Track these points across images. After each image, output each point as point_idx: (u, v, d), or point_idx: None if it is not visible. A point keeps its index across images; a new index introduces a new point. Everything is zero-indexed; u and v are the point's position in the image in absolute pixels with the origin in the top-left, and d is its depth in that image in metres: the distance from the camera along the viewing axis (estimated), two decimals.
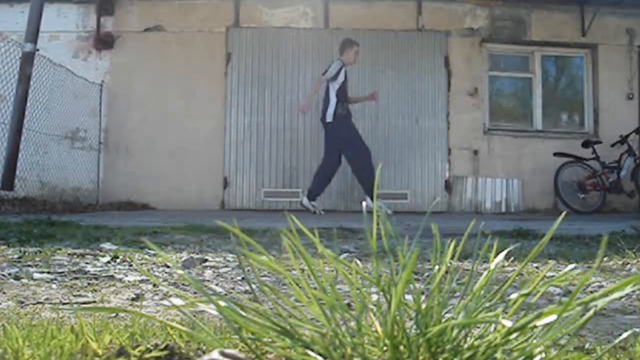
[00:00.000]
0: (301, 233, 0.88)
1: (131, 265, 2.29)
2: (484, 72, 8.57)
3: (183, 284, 1.91)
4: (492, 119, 8.64)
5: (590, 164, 7.97)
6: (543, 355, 0.79)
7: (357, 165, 6.97)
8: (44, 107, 6.69)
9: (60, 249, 2.66)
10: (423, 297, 0.84)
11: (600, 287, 1.94)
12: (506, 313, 0.83)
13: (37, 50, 5.69)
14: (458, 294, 0.93)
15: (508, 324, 0.75)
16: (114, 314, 1.30)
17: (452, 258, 0.93)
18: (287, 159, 8.19)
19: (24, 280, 1.88)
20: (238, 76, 8.25)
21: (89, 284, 1.87)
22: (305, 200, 7.06)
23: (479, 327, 0.85)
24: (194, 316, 1.10)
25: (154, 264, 2.35)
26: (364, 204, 0.97)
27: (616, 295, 0.71)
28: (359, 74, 8.19)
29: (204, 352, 0.94)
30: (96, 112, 7.96)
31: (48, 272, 2.06)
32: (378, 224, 0.88)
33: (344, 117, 6.94)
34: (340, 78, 6.95)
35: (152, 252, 2.65)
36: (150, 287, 1.85)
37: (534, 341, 0.79)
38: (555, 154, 7.97)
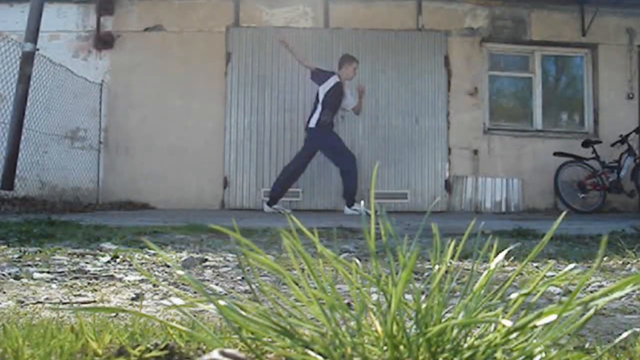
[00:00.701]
0: (301, 233, 0.88)
1: (131, 265, 2.29)
2: (484, 71, 8.56)
3: (183, 284, 1.91)
4: (492, 119, 8.64)
5: (590, 164, 7.97)
6: (543, 355, 0.79)
7: (344, 168, 7.03)
8: (43, 106, 6.69)
9: (60, 249, 2.66)
10: (423, 297, 0.84)
11: (600, 286, 1.94)
12: (506, 313, 0.83)
13: (37, 49, 5.69)
14: (458, 293, 0.93)
15: (508, 323, 0.75)
16: (114, 314, 1.30)
17: (452, 258, 0.93)
18: (287, 159, 8.16)
19: (24, 280, 1.88)
20: (238, 76, 8.25)
21: (89, 283, 1.87)
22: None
23: (479, 327, 0.85)
24: (194, 316, 1.10)
25: (154, 263, 2.35)
26: (362, 202, 0.96)
27: (616, 294, 0.70)
28: (359, 74, 8.18)
29: (204, 352, 0.94)
30: (96, 111, 7.96)
31: (48, 272, 2.06)
32: (377, 223, 0.88)
33: (327, 125, 7.00)
34: (327, 85, 6.98)
35: (152, 251, 2.65)
36: (150, 286, 1.85)
37: (534, 341, 0.79)
38: (555, 154, 7.96)
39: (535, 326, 0.76)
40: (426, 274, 2.14)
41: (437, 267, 0.90)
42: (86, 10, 8.23)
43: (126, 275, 2.04)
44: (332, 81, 7.01)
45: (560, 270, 1.20)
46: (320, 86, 7.02)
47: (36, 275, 1.97)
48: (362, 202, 6.40)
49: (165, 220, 4.84)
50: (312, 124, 7.01)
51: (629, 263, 2.48)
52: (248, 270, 1.97)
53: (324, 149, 7.11)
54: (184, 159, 8.07)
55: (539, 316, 0.74)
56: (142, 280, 1.94)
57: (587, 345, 1.07)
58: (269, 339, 0.82)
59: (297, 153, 7.24)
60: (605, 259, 2.56)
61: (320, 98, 6.99)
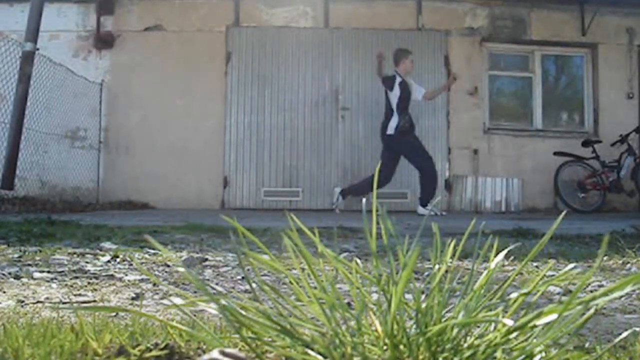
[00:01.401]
0: (301, 232, 0.88)
1: (131, 265, 2.29)
2: (483, 71, 8.57)
3: (183, 283, 1.91)
4: (492, 119, 8.64)
5: (590, 164, 7.97)
6: (543, 354, 0.79)
7: (425, 169, 6.93)
8: (44, 106, 6.69)
9: (60, 248, 2.66)
10: (423, 297, 0.84)
11: (600, 286, 1.94)
12: (506, 312, 0.83)
13: (37, 49, 5.69)
14: (458, 293, 0.93)
15: (508, 323, 0.75)
16: (114, 313, 1.30)
17: (452, 257, 0.93)
18: (287, 159, 8.18)
19: (24, 280, 1.88)
20: (238, 75, 8.25)
21: (89, 283, 1.87)
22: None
23: (479, 327, 0.85)
24: (194, 315, 1.10)
25: (154, 263, 2.35)
26: (363, 201, 0.96)
27: (616, 294, 0.70)
28: (359, 73, 8.20)
29: (204, 352, 0.94)
30: (96, 111, 7.96)
31: (48, 272, 2.06)
32: (378, 223, 0.88)
33: (406, 130, 6.89)
34: (396, 90, 6.92)
35: (152, 251, 2.65)
36: (150, 286, 1.85)
37: (534, 340, 0.79)
38: (555, 153, 7.96)
39: (535, 326, 0.76)
40: (426, 273, 2.14)
41: (437, 266, 0.90)
42: (86, 10, 8.23)
43: (126, 275, 2.04)
44: (397, 86, 6.93)
45: (560, 269, 1.20)
46: (391, 92, 6.93)
47: (36, 274, 1.97)
48: (362, 201, 6.39)
49: (165, 220, 4.84)
50: (391, 130, 6.90)
51: (629, 262, 2.48)
52: (248, 269, 1.97)
53: (404, 153, 7.01)
54: (184, 159, 8.07)
55: (539, 316, 0.74)
56: (142, 280, 1.94)
57: (587, 345, 1.07)
58: (269, 339, 0.82)
59: (383, 162, 6.78)
60: (605, 258, 2.56)
61: (394, 105, 6.90)
